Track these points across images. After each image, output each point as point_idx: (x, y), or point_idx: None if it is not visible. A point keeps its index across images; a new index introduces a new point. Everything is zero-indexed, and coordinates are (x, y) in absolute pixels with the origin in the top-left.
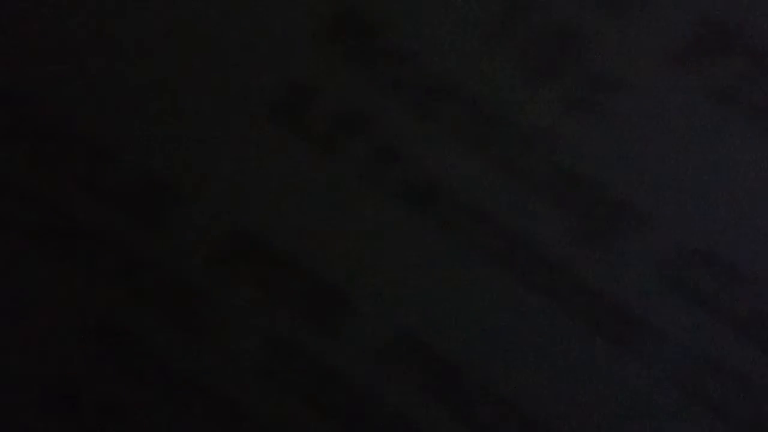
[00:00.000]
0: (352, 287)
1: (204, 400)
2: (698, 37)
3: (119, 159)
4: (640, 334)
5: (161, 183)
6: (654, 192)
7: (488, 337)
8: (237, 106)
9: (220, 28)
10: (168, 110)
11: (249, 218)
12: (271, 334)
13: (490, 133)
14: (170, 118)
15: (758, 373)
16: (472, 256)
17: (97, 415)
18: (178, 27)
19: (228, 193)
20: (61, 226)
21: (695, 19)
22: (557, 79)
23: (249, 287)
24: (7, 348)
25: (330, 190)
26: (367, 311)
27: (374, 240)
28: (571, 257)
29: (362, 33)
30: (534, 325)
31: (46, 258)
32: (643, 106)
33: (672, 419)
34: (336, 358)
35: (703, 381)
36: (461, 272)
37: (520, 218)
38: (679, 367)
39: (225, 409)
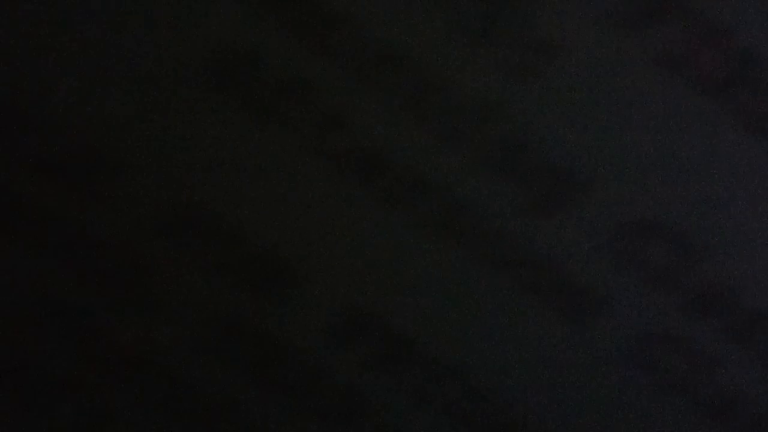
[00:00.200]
0: (299, 260)
1: (151, 376)
2: (639, 2)
3: (52, 131)
4: (587, 306)
5: (100, 155)
6: (599, 160)
7: (436, 310)
8: (173, 74)
9: None
10: (98, 78)
11: (194, 190)
12: (216, 308)
13: (431, 101)
14: (100, 87)
15: (708, 346)
16: (418, 229)
17: (45, 392)
18: None
19: (171, 166)
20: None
21: None
22: (497, 45)
23: (195, 260)
24: None
25: (273, 161)
26: (314, 284)
27: (320, 211)
28: (517, 228)
29: (305, 0)
30: (481, 296)
31: None
32: (584, 72)
33: (620, 391)
34: (283, 332)
35: (651, 353)
36: (408, 245)
37: (465, 189)
38: (626, 339)
39: (171, 384)
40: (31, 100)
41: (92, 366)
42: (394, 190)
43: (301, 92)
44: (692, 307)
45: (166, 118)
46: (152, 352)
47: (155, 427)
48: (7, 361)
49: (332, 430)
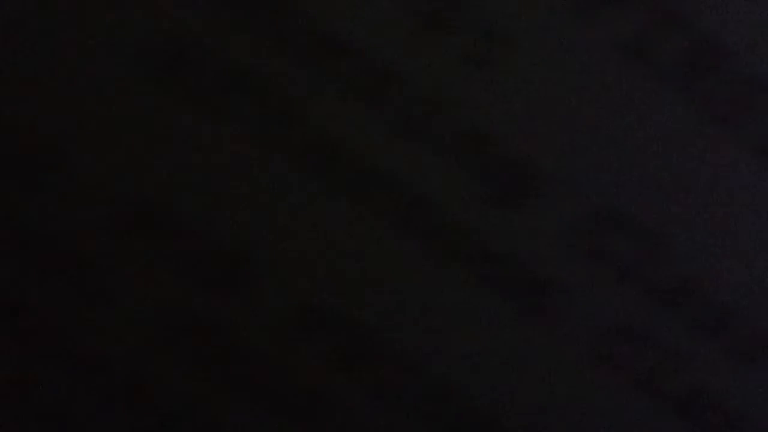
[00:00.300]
0: (254, 253)
1: (102, 371)
2: None
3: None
4: (550, 301)
5: (45, 147)
6: (560, 151)
7: (396, 305)
8: (112, 65)
9: None
10: (36, 68)
11: (144, 183)
12: (169, 302)
13: (386, 92)
14: (39, 74)
15: (675, 341)
16: (376, 221)
17: None
18: None
19: (118, 159)
20: None
21: None
22: (454, 34)
23: (145, 254)
24: None
25: (223, 154)
26: (270, 279)
27: (274, 204)
28: (476, 221)
29: None
30: (441, 291)
31: None
32: (542, 61)
33: (583, 387)
34: (239, 327)
35: (615, 349)
36: (366, 238)
37: (421, 181)
38: (589, 334)
39: (123, 380)
40: None
41: (39, 361)
42: (349, 182)
43: (246, 82)
44: (658, 301)
45: (108, 110)
46: (103, 347)
47: (106, 423)
48: None
49: (292, 428)
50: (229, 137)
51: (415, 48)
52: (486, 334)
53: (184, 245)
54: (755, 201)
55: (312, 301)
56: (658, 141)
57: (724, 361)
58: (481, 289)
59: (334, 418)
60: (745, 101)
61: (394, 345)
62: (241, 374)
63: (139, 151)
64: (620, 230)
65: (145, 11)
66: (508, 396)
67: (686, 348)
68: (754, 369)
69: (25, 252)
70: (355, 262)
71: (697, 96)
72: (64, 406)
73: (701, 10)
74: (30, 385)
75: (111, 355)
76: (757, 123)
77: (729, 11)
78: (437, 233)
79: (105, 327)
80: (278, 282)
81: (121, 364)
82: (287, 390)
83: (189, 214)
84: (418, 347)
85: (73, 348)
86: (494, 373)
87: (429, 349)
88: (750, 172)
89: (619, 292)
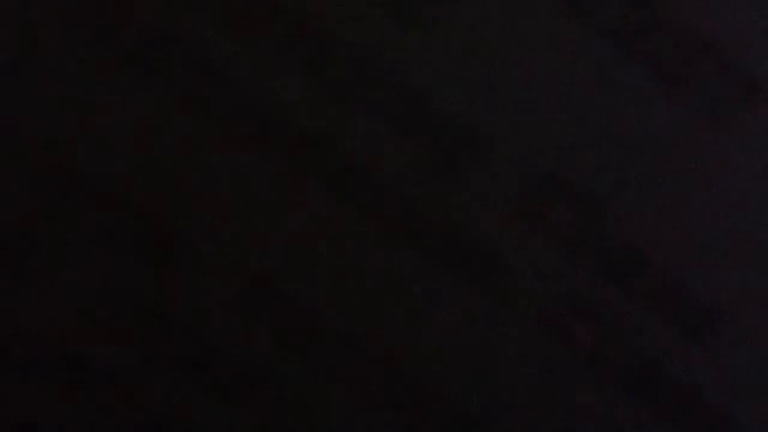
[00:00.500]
0: (192, 229)
1: (44, 354)
2: None
3: None
4: (494, 273)
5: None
6: (502, 117)
7: (338, 280)
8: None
9: None
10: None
11: (85, 158)
12: (107, 280)
13: (322, 56)
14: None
15: (623, 313)
16: (315, 193)
17: None
18: None
19: (58, 135)
20: None
21: None
22: None
23: (82, 230)
24: None
25: (164, 125)
26: (209, 255)
27: (214, 177)
28: (418, 191)
29: None
30: (381, 265)
31: None
32: (482, 22)
33: (531, 361)
34: (179, 305)
35: (562, 322)
36: (306, 211)
37: (358, 148)
38: (536, 307)
39: (61, 359)
40: None
41: None
42: (289, 151)
43: (171, 43)
44: (605, 272)
45: (59, 89)
46: (40, 325)
47: (45, 404)
48: None
49: (233, 408)
50: (165, 105)
51: (353, 10)
52: (429, 308)
53: (122, 221)
54: (704, 165)
55: (253, 276)
56: (606, 105)
57: (676, 333)
58: (423, 261)
59: (279, 396)
60: (689, 61)
61: (339, 322)
62: (181, 351)
63: (83, 129)
64: (567, 199)
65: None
66: (453, 370)
67: (636, 320)
68: (705, 342)
69: None
70: (296, 236)
71: (644, 58)
72: (5, 382)
73: None
74: None
75: (51, 335)
76: (702, 83)
77: None
78: (378, 205)
79: (45, 306)
80: (217, 258)
81: (55, 342)
82: (229, 367)
83: (130, 194)
84: (363, 323)
85: (15, 327)
86: (438, 347)
87: (375, 325)
88: (698, 134)
89: (565, 263)
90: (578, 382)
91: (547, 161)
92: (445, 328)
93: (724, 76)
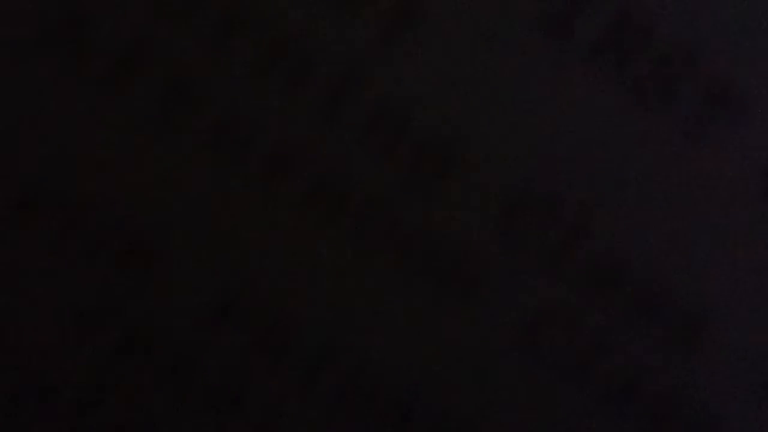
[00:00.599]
0: (164, 237)
1: (15, 368)
2: None
3: None
4: (472, 286)
5: None
6: (479, 130)
7: (317, 295)
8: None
9: None
10: None
11: (64, 174)
12: (76, 288)
13: (290, 67)
14: None
15: (602, 325)
16: (291, 208)
17: None
18: None
19: (47, 150)
20: None
21: None
22: (368, 8)
23: (48, 237)
24: None
25: (125, 133)
26: (182, 266)
27: (187, 189)
28: (393, 205)
29: None
30: (357, 278)
31: None
32: (458, 34)
33: (509, 375)
34: (150, 315)
35: (541, 334)
36: (281, 224)
37: (333, 163)
38: (514, 320)
39: (29, 369)
40: None
41: None
42: (267, 168)
43: (140, 56)
44: (584, 285)
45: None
46: (9, 335)
47: (9, 416)
48: None
49: (207, 421)
50: (125, 116)
51: (333, 28)
52: (410, 320)
53: (100, 238)
54: (682, 178)
55: (227, 288)
56: (581, 119)
57: (657, 344)
58: (401, 275)
59: (256, 408)
60: (672, 78)
61: (316, 333)
62: (152, 362)
63: (38, 132)
64: (542, 210)
65: None
66: (433, 384)
67: (617, 332)
68: (687, 352)
69: None
70: (270, 249)
71: (622, 74)
72: None
73: None
74: None
75: (21, 347)
76: (685, 101)
77: None
78: (353, 219)
79: (16, 320)
80: (191, 270)
81: (33, 357)
82: (201, 379)
83: (108, 211)
84: (340, 336)
85: None
86: (417, 361)
87: (351, 337)
88: (676, 149)
89: (544, 276)
90: (559, 395)
91: (528, 176)
92: (425, 342)
93: (707, 94)
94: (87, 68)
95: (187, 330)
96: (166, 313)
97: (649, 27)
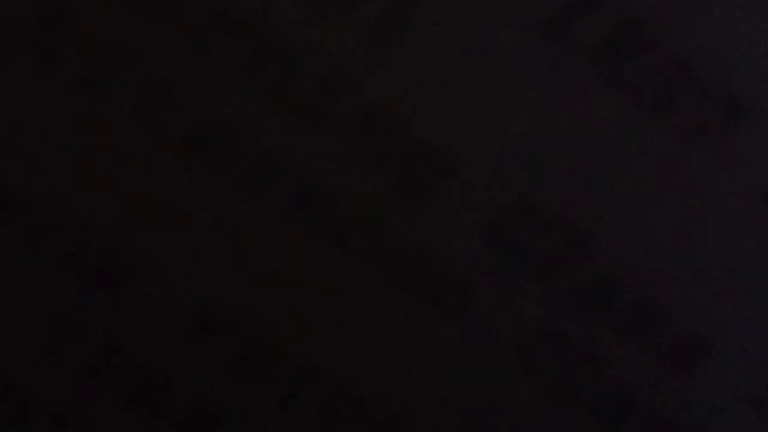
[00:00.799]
0: (143, 252)
1: None
2: None
3: None
4: (463, 301)
5: None
6: (472, 139)
7: (297, 306)
8: None
9: None
10: None
11: (40, 183)
12: (50, 306)
13: (278, 73)
14: None
15: (596, 343)
16: (274, 218)
17: None
18: None
19: (27, 158)
20: None
21: None
22: (351, 11)
23: (21, 253)
24: None
25: (104, 139)
26: (161, 281)
27: (166, 200)
28: (382, 216)
29: None
30: (344, 291)
31: None
32: (451, 42)
33: (501, 392)
34: (127, 332)
35: (533, 351)
36: (264, 235)
37: (321, 172)
38: (506, 336)
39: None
40: None
41: None
42: (251, 176)
43: (124, 60)
44: (578, 301)
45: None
46: None
47: None
48: None
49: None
50: (102, 120)
51: (319, 34)
52: (397, 337)
53: (65, 244)
54: (681, 185)
55: (207, 302)
56: (577, 129)
57: (652, 362)
58: (388, 290)
59: (234, 427)
60: (672, 84)
61: (298, 348)
62: (130, 380)
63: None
64: (537, 224)
65: None
66: (421, 400)
67: (612, 349)
68: (683, 373)
69: None
70: (253, 261)
71: (620, 82)
72: None
73: None
74: None
75: None
76: (685, 107)
77: None
78: (340, 230)
79: None
80: (169, 284)
81: (7, 375)
82: (179, 397)
83: (86, 221)
84: (323, 350)
85: None
86: (405, 374)
87: (336, 352)
88: (676, 160)
89: (537, 292)
90: (552, 415)
91: (520, 187)
92: (411, 359)
93: (708, 100)
94: (64, 69)
95: (165, 345)
96: (143, 327)
97: (647, 32)
